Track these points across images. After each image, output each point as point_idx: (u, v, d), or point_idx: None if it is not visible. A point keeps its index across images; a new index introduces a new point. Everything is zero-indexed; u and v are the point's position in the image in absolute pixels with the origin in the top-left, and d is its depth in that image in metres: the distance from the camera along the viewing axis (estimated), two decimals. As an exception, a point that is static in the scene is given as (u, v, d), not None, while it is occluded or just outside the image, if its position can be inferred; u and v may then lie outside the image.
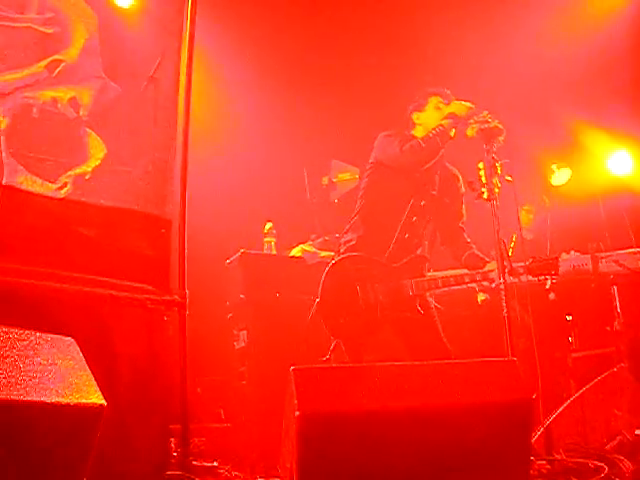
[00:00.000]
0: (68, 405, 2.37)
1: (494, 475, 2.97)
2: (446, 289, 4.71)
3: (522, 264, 4.20)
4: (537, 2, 6.88)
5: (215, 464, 4.70)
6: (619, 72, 6.84)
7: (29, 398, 2.26)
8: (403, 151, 4.39)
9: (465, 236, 4.62)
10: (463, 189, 4.65)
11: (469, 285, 4.59)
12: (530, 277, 4.28)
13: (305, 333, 4.93)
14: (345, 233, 4.64)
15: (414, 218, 4.47)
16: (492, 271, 4.17)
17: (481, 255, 4.49)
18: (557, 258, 4.20)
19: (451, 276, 4.35)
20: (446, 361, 3.49)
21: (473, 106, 4.41)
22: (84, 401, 2.44)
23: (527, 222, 6.72)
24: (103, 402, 2.51)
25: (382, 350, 4.46)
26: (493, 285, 4.22)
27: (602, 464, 3.69)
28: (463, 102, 4.47)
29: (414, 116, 4.63)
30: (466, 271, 4.42)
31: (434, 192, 4.53)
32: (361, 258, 4.39)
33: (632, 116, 6.61)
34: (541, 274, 4.22)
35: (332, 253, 5.14)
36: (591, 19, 7.03)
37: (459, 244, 4.61)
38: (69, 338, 2.67)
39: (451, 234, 4.64)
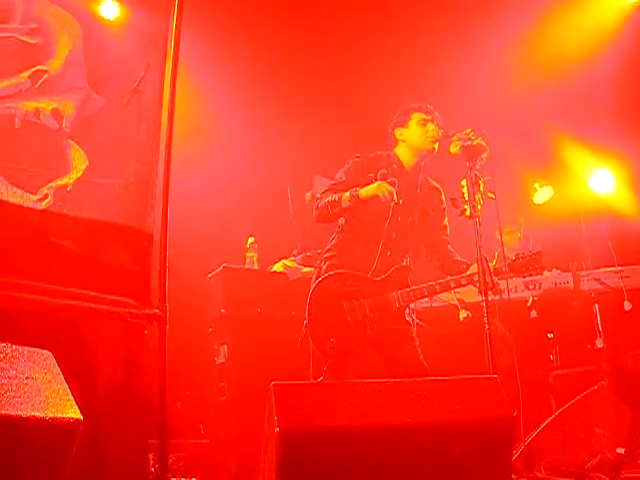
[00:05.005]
0: (44, 419, 2.34)
1: (475, 493, 2.97)
2: (433, 297, 4.74)
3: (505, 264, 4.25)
4: (521, 18, 6.91)
5: (193, 480, 4.68)
6: (602, 90, 6.89)
7: (4, 412, 2.23)
8: (315, 201, 4.51)
9: (449, 247, 4.62)
10: (445, 203, 4.65)
11: (455, 291, 4.69)
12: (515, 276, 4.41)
13: (286, 349, 4.90)
14: (327, 251, 4.60)
15: (394, 235, 4.46)
16: (476, 273, 4.11)
17: (462, 259, 4.47)
18: (540, 252, 4.22)
19: (437, 284, 4.30)
20: (427, 378, 3.48)
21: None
22: (60, 415, 2.41)
23: (513, 242, 6.70)
24: (80, 417, 2.48)
25: (361, 367, 4.43)
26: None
27: (583, 482, 3.69)
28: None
29: (397, 132, 4.61)
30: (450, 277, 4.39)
31: (416, 207, 4.52)
32: (344, 275, 4.35)
33: (614, 134, 6.65)
34: (526, 270, 4.23)
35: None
36: (576, 37, 7.08)
37: (443, 255, 4.60)
38: (46, 351, 2.64)
39: (435, 246, 4.64)
